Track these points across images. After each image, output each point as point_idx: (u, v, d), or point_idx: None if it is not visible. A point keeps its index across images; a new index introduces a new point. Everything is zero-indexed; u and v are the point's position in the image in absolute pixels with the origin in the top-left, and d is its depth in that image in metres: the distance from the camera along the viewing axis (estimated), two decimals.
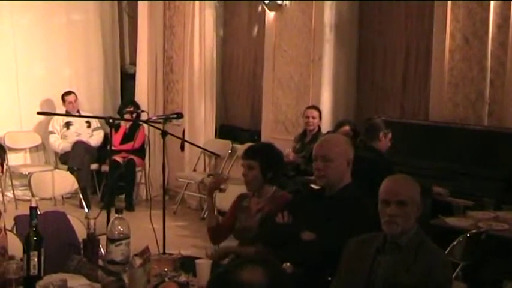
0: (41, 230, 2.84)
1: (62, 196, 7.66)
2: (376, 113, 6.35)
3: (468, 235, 4.02)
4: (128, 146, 8.02)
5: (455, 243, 3.94)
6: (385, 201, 2.79)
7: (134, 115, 8.20)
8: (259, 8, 7.64)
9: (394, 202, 2.76)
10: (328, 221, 3.21)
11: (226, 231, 3.92)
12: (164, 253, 4.48)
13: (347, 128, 6.07)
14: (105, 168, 8.06)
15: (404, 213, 2.75)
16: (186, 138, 7.89)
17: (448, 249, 3.85)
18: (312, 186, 5.15)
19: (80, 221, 3.78)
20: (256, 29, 7.97)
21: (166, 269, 2.97)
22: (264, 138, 7.38)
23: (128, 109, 8.31)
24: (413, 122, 6.11)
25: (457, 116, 5.70)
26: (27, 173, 7.34)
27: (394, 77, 6.62)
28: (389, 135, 5.30)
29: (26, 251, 2.79)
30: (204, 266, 2.90)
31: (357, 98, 6.98)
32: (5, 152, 3.94)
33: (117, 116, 8.16)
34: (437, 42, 5.88)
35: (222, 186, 3.89)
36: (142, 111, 8.29)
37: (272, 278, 1.74)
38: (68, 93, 8.36)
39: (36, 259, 2.78)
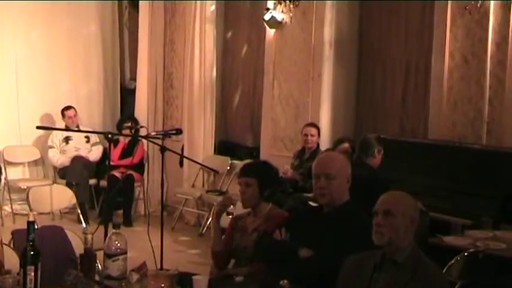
0: (38, 244, 2.84)
1: (60, 211, 7.65)
2: (375, 131, 6.34)
3: (466, 254, 4.01)
4: (127, 161, 8.01)
5: (452, 262, 3.94)
6: (375, 211, 2.84)
7: (133, 130, 8.19)
8: (259, 25, 7.66)
9: (381, 212, 2.80)
10: (327, 238, 3.21)
11: (228, 255, 3.88)
12: (161, 269, 4.47)
13: (346, 145, 6.06)
14: (103, 183, 8.06)
15: (390, 224, 2.76)
16: (185, 154, 7.89)
17: (445, 268, 3.84)
18: (311, 203, 5.15)
19: (78, 236, 3.78)
20: (256, 46, 7.99)
21: (163, 285, 2.95)
22: (263, 154, 7.38)
23: (126, 124, 8.31)
24: (412, 140, 6.10)
25: (456, 135, 5.70)
26: (25, 187, 7.31)
27: (393, 95, 6.63)
28: (382, 151, 5.35)
29: (23, 265, 2.78)
30: (200, 282, 2.89)
31: (356, 115, 6.99)
32: None
33: (117, 132, 8.17)
34: (436, 61, 5.89)
35: (230, 209, 3.87)
36: (142, 126, 8.28)
37: None
38: (68, 108, 8.38)
39: (33, 274, 2.77)
